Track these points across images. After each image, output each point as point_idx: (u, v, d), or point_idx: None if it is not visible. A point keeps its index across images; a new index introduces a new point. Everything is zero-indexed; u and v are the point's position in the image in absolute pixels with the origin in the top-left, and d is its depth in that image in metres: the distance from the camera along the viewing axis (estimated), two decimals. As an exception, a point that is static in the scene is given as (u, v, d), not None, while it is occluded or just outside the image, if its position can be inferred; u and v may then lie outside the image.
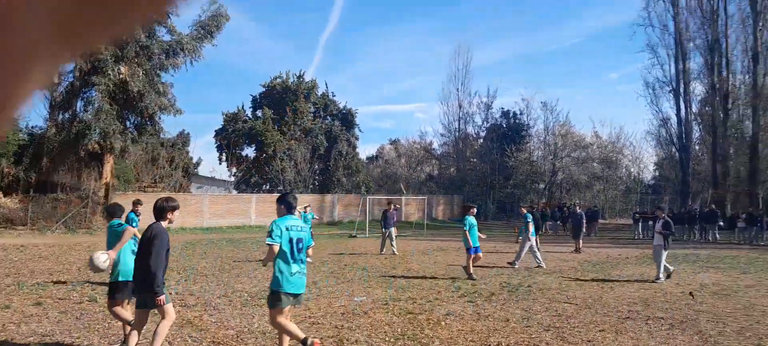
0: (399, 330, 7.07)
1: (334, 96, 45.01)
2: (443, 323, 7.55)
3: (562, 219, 30.19)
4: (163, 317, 5.37)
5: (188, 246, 19.06)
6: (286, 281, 5.24)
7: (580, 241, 18.94)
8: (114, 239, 6.35)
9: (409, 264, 14.42)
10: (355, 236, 24.86)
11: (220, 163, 43.54)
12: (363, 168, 46.44)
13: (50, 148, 26.24)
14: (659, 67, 42.87)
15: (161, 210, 5.56)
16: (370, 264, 14.30)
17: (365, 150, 74.81)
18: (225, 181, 44.97)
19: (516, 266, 13.92)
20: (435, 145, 55.58)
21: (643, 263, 15.42)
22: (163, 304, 5.24)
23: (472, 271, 11.93)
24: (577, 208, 20.69)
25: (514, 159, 44.96)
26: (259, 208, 31.83)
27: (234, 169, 42.66)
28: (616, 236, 28.10)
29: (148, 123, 27.27)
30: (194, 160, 44.57)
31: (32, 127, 27.94)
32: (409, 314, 8.09)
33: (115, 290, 6.19)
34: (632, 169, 50.71)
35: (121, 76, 24.93)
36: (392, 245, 16.95)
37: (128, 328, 5.65)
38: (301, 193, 37.05)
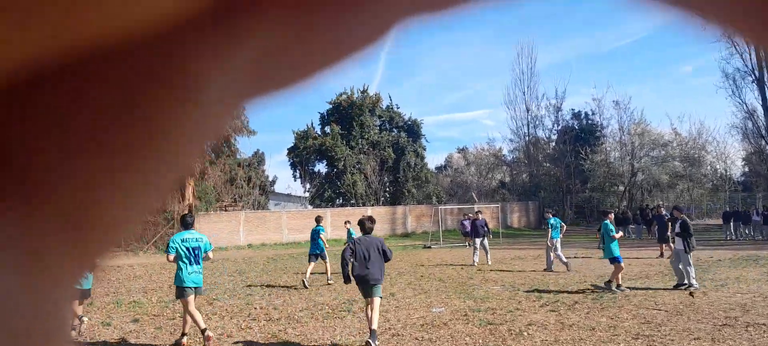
0: (480, 341, 7.01)
1: (398, 108, 45.30)
2: (526, 333, 7.41)
3: (646, 222, 28.83)
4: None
5: (270, 261, 19.70)
6: (186, 278, 6.93)
7: (666, 245, 17.75)
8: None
9: (486, 274, 14.23)
10: (429, 247, 24.81)
11: (295, 180, 44.74)
12: (432, 178, 46.32)
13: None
14: (739, 56, 40.31)
15: (364, 224, 7.39)
16: (447, 275, 14.24)
17: (433, 160, 74.71)
18: (300, 197, 46.16)
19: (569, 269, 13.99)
20: (505, 151, 54.65)
21: (737, 265, 14.47)
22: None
23: (619, 283, 10.74)
24: (662, 209, 19.43)
25: (590, 161, 43.44)
26: (334, 221, 32.42)
27: (308, 185, 43.74)
28: (704, 237, 26.53)
29: (224, 145, 28.47)
30: (270, 179, 46.06)
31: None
32: (490, 325, 7.99)
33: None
34: (718, 166, 47.72)
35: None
36: (475, 256, 16.40)
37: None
38: (372, 206, 37.45)
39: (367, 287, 6.90)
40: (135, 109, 0.17)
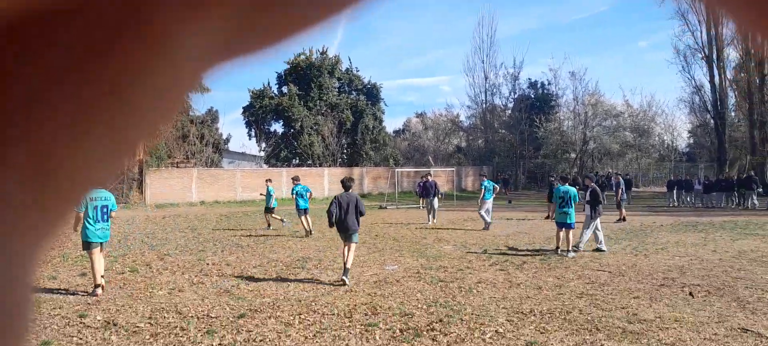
0: (431, 297, 7.15)
1: (358, 71, 44.89)
2: (475, 290, 7.60)
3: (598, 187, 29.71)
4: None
5: (223, 219, 19.46)
6: (92, 234, 7.33)
7: (623, 209, 18.45)
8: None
9: (439, 234, 14.47)
10: (384, 208, 25.01)
11: (250, 139, 44.06)
12: (390, 141, 46.44)
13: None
14: (690, 33, 41.54)
15: (345, 183, 8.68)
16: (401, 235, 14.41)
17: (392, 124, 74.76)
18: (255, 156, 45.52)
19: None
20: (462, 118, 55.15)
21: (677, 230, 15.18)
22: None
23: (563, 246, 10.75)
24: (619, 177, 20.01)
25: (544, 129, 44.34)
26: (290, 181, 32.18)
27: (263, 145, 43.13)
28: (650, 203, 27.65)
29: (178, 100, 27.68)
30: (224, 137, 45.15)
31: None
32: (441, 282, 8.16)
33: None
34: (665, 138, 49.60)
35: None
36: (431, 216, 17.51)
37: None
38: (329, 166, 37.33)
39: (346, 234, 8.27)
40: (101, 62, 0.17)
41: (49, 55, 0.16)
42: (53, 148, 0.17)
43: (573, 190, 11.03)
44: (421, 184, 19.20)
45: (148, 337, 5.46)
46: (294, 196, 14.90)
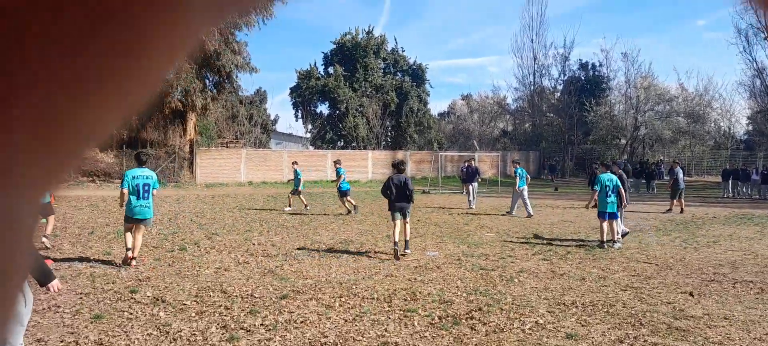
0: (471, 285, 7.16)
1: (403, 51, 44.69)
2: (516, 279, 7.56)
3: (645, 177, 28.90)
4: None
5: (270, 199, 19.89)
6: (131, 211, 7.82)
7: (682, 200, 17.38)
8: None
9: (482, 221, 14.40)
10: (427, 192, 24.98)
11: (297, 120, 44.73)
12: (435, 124, 46.19)
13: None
14: (753, 12, 39.37)
15: (397, 166, 9.48)
16: (443, 220, 14.40)
17: (437, 106, 74.35)
18: (302, 137, 46.17)
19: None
20: (509, 100, 54.19)
21: (731, 222, 14.61)
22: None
23: (608, 238, 10.32)
24: (678, 166, 18.63)
25: (594, 113, 43.15)
26: (334, 164, 32.56)
27: (309, 126, 43.66)
28: (702, 194, 26.66)
29: (226, 81, 28.27)
30: (272, 117, 45.96)
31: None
32: (482, 270, 8.14)
33: None
34: (722, 124, 47.39)
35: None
36: (470, 201, 17.74)
37: None
38: (374, 149, 37.48)
39: (401, 212, 9.15)
40: (109, 14, 0.17)
41: (51, 13, 0.16)
42: (60, 105, 0.17)
43: (615, 178, 10.61)
44: (465, 168, 19.33)
45: (193, 314, 5.69)
46: (340, 178, 15.18)
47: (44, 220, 9.05)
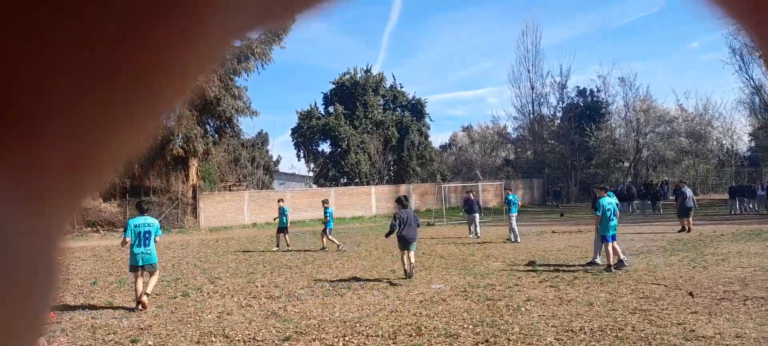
0: (477, 317, 7.04)
1: (402, 87, 45.14)
2: (523, 309, 7.43)
3: (651, 198, 28.75)
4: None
5: (274, 240, 19.78)
6: (134, 258, 8.18)
7: (690, 220, 17.28)
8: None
9: (488, 250, 14.27)
10: (432, 224, 24.86)
11: (299, 160, 44.87)
12: (436, 156, 46.30)
13: (139, 155, 27.91)
14: (742, 30, 39.56)
15: (401, 201, 10.48)
16: (448, 252, 14.28)
17: (438, 139, 74.57)
18: (304, 176, 46.28)
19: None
20: (509, 129, 54.36)
21: (739, 239, 14.44)
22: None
23: (613, 262, 10.24)
24: (686, 185, 18.53)
25: (595, 138, 43.18)
26: (338, 201, 32.51)
27: (312, 165, 43.82)
28: (709, 212, 26.43)
29: (227, 126, 28.49)
30: (274, 159, 46.16)
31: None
32: (489, 300, 8.02)
33: None
34: (724, 142, 47.26)
35: (197, 82, 26.15)
36: (472, 230, 17.89)
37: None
38: (377, 184, 37.49)
39: (407, 244, 9.99)
40: (137, 42, 0.17)
41: (89, 34, 0.16)
42: (89, 131, 0.17)
43: (615, 200, 10.90)
44: (465, 199, 19.40)
45: (196, 361, 5.59)
46: (327, 217, 15.67)
47: None
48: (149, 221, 8.34)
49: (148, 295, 8.19)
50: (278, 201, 17.07)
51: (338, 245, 15.56)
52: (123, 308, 8.38)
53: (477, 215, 18.18)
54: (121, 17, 0.16)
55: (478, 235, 17.75)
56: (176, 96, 0.20)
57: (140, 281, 8.19)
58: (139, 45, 0.17)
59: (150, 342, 6.34)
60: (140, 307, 8.03)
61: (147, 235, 8.21)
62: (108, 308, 8.42)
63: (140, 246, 8.17)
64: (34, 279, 0.18)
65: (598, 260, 10.91)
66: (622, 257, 10.36)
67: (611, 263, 10.20)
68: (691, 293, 6.43)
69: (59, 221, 0.19)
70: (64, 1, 0.16)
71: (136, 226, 8.22)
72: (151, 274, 8.40)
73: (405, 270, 10.13)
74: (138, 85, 0.18)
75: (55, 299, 0.20)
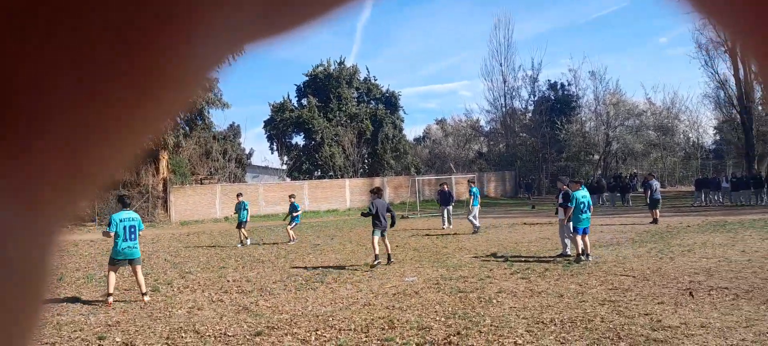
0: (450, 309, 7.07)
1: (375, 80, 45.01)
2: (495, 300, 7.49)
3: (620, 190, 29.32)
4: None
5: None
6: (118, 253, 8.15)
7: (657, 211, 17.86)
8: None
9: (461, 242, 14.35)
10: (406, 217, 24.91)
11: (272, 153, 44.42)
12: (411, 149, 46.37)
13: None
14: (712, 27, 40.46)
15: (377, 192, 11.40)
16: (422, 245, 14.33)
17: (412, 132, 74.72)
18: (278, 169, 45.88)
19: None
20: (482, 122, 54.83)
21: (705, 230, 14.81)
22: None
23: (582, 251, 10.45)
24: (653, 178, 19.09)
25: (566, 131, 43.86)
26: (312, 194, 32.37)
27: (285, 158, 43.44)
28: (676, 204, 27.07)
29: (198, 118, 28.06)
30: (247, 151, 45.62)
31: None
32: (461, 292, 8.07)
33: None
34: (691, 135, 48.49)
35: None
36: (444, 222, 18.34)
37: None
38: (351, 177, 37.40)
39: (382, 229, 10.80)
40: (136, 44, 0.17)
41: (88, 36, 0.16)
42: (87, 133, 0.17)
43: (588, 194, 11.11)
44: (439, 192, 19.89)
45: (165, 358, 5.49)
46: (296, 212, 16.29)
47: None
48: (133, 216, 8.43)
49: (144, 293, 8.29)
50: (237, 196, 16.73)
51: (291, 239, 15.70)
52: (90, 303, 8.19)
53: (450, 206, 18.62)
54: (121, 19, 0.16)
55: (451, 225, 18.30)
56: (177, 102, 0.20)
57: (114, 276, 8.27)
58: (138, 48, 0.17)
59: (118, 339, 6.21)
60: (111, 299, 8.12)
61: (132, 229, 8.28)
62: (75, 302, 8.22)
63: (127, 241, 8.18)
64: (30, 280, 0.19)
65: (569, 251, 11.07)
66: (588, 252, 10.50)
67: (580, 253, 10.39)
68: (690, 293, 6.51)
69: (56, 222, 0.19)
70: (64, 1, 0.16)
71: (121, 220, 8.21)
72: (136, 268, 8.38)
73: (386, 255, 10.92)
74: (137, 89, 0.18)
75: (47, 299, 0.20)
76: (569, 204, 10.87)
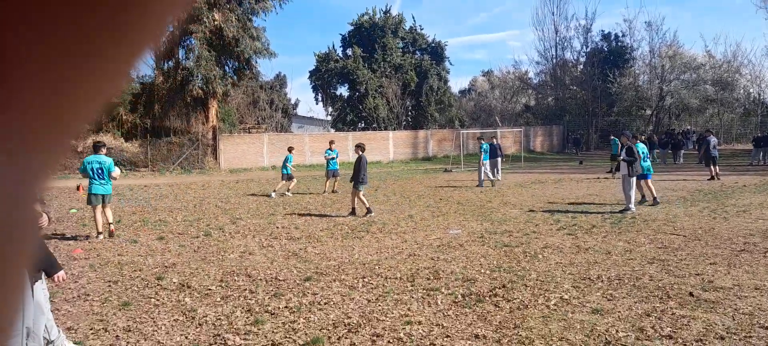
0: (495, 262, 7.11)
1: (421, 29, 44.26)
2: (541, 256, 7.49)
3: (672, 146, 28.36)
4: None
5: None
6: (94, 189, 9.14)
7: (716, 167, 17.77)
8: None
9: (505, 197, 14.29)
10: (449, 171, 24.86)
11: (317, 103, 44.89)
12: (456, 102, 45.86)
13: (160, 96, 28.10)
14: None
15: (361, 147, 12.01)
16: (466, 198, 14.33)
17: (457, 83, 73.65)
18: (322, 120, 46.27)
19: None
20: (531, 74, 53.51)
21: (763, 191, 14.24)
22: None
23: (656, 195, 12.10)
24: (711, 134, 18.77)
25: (618, 85, 42.35)
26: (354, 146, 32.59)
27: (330, 109, 43.69)
28: (732, 162, 26.02)
29: (246, 67, 28.36)
30: (292, 102, 46.13)
31: (142, 76, 29.93)
32: (506, 246, 8.09)
33: None
34: (752, 90, 46.00)
35: (215, 22, 25.91)
36: (490, 174, 18.18)
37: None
38: (394, 129, 37.38)
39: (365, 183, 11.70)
40: None
41: None
42: (60, 86, 0.17)
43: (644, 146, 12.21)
44: (490, 144, 19.60)
45: (219, 299, 5.76)
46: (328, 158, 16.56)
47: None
48: (102, 159, 9.25)
49: (111, 223, 9.45)
50: (288, 149, 16.77)
51: (274, 191, 15.91)
52: (148, 245, 8.62)
53: (499, 159, 18.91)
54: None
55: (499, 179, 18.53)
56: (151, 37, 0.19)
57: (99, 212, 9.28)
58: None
59: (175, 279, 6.54)
60: (106, 235, 9.28)
61: (100, 170, 9.17)
62: (132, 245, 8.66)
63: (95, 179, 9.15)
64: (12, 228, 0.18)
65: (632, 206, 11.19)
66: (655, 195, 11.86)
67: (655, 196, 11.90)
68: (691, 293, 6.36)
69: (42, 164, 0.19)
70: None
71: (89, 162, 9.17)
72: (106, 205, 9.36)
73: (367, 208, 11.45)
74: (113, 22, 0.18)
75: (33, 248, 0.20)
76: (639, 153, 11.31)
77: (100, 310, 5.47)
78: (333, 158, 16.38)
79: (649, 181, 12.07)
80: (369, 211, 11.39)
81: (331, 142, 16.82)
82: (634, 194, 11.30)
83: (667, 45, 43.53)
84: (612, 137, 14.79)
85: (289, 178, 15.86)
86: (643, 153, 11.84)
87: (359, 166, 11.53)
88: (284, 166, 16.04)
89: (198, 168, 26.84)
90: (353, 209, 11.69)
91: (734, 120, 43.73)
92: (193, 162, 27.09)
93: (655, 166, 11.19)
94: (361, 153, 11.69)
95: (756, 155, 25.41)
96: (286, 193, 15.92)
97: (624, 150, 11.46)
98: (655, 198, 11.93)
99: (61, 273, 4.12)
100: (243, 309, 5.43)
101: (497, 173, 18.57)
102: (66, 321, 5.12)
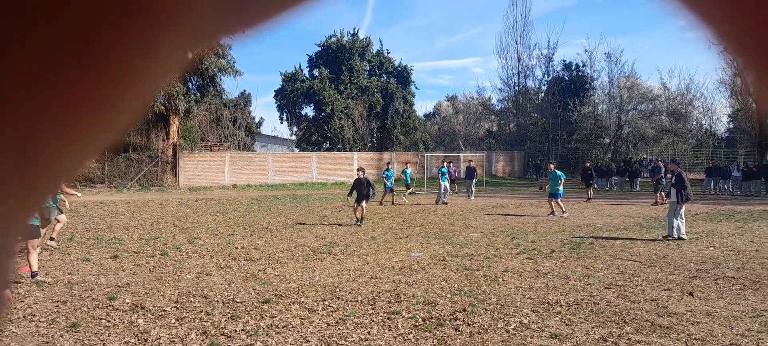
0: (456, 286, 7.11)
1: (388, 53, 44.70)
2: (501, 279, 7.53)
3: (630, 174, 29.17)
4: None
5: (254, 202, 19.71)
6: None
7: (661, 194, 18.82)
8: None
9: (467, 220, 14.38)
10: (413, 193, 24.93)
11: (282, 123, 44.53)
12: (420, 125, 46.22)
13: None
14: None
15: (363, 170, 13.71)
16: (428, 221, 14.36)
17: (422, 107, 74.10)
18: (287, 139, 45.94)
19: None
20: (493, 101, 54.44)
21: (713, 219, 14.75)
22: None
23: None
24: (660, 162, 20.33)
25: (578, 113, 43.48)
26: (320, 166, 32.43)
27: (294, 129, 43.45)
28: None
29: (210, 84, 28.03)
30: (256, 120, 45.65)
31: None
32: (467, 270, 8.11)
33: None
34: (704, 122, 47.93)
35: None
36: (444, 197, 19.92)
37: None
38: (359, 151, 37.40)
39: (359, 199, 13.22)
40: (90, 44, 0.16)
41: (37, 35, 0.16)
42: (37, 136, 0.17)
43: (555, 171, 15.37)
44: (467, 167, 23.07)
45: (173, 321, 5.57)
46: (384, 178, 18.99)
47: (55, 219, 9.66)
48: None
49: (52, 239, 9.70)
50: (405, 164, 21.99)
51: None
52: (100, 263, 8.31)
53: (474, 180, 21.88)
54: (77, 19, 0.16)
55: (472, 199, 21.21)
56: (133, 108, 0.19)
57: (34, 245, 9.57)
58: (95, 48, 0.16)
59: (128, 300, 6.30)
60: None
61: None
62: (84, 263, 8.34)
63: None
64: None
65: (675, 233, 11.03)
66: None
67: (564, 210, 10.95)
68: (691, 293, 6.49)
69: (7, 224, 0.18)
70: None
71: None
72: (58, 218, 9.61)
73: (357, 218, 13.29)
74: (92, 91, 0.17)
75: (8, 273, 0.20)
76: (684, 185, 11.21)
77: (47, 331, 5.22)
78: (388, 177, 18.78)
79: (560, 200, 15.13)
80: (360, 221, 13.29)
81: (388, 164, 20.23)
82: (680, 222, 11.13)
83: (626, 76, 45.05)
84: (550, 168, 15.64)
85: (391, 191, 18.53)
86: (562, 177, 15.30)
87: (356, 185, 13.27)
88: (387, 178, 18.61)
89: (157, 186, 26.22)
90: (361, 218, 13.36)
91: (687, 150, 45.37)
92: (151, 179, 26.45)
93: (610, 193, 11.60)
94: (360, 175, 13.41)
95: (707, 185, 26.37)
96: (404, 198, 19.75)
97: (674, 177, 11.54)
98: (563, 211, 14.93)
99: (7, 292, 3.92)
100: (198, 331, 5.26)
101: (471, 194, 21.40)
102: (10, 343, 4.86)
